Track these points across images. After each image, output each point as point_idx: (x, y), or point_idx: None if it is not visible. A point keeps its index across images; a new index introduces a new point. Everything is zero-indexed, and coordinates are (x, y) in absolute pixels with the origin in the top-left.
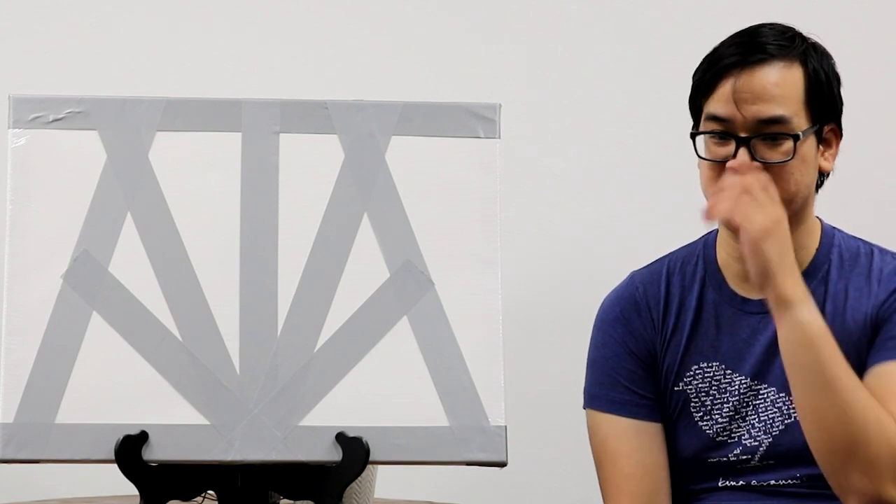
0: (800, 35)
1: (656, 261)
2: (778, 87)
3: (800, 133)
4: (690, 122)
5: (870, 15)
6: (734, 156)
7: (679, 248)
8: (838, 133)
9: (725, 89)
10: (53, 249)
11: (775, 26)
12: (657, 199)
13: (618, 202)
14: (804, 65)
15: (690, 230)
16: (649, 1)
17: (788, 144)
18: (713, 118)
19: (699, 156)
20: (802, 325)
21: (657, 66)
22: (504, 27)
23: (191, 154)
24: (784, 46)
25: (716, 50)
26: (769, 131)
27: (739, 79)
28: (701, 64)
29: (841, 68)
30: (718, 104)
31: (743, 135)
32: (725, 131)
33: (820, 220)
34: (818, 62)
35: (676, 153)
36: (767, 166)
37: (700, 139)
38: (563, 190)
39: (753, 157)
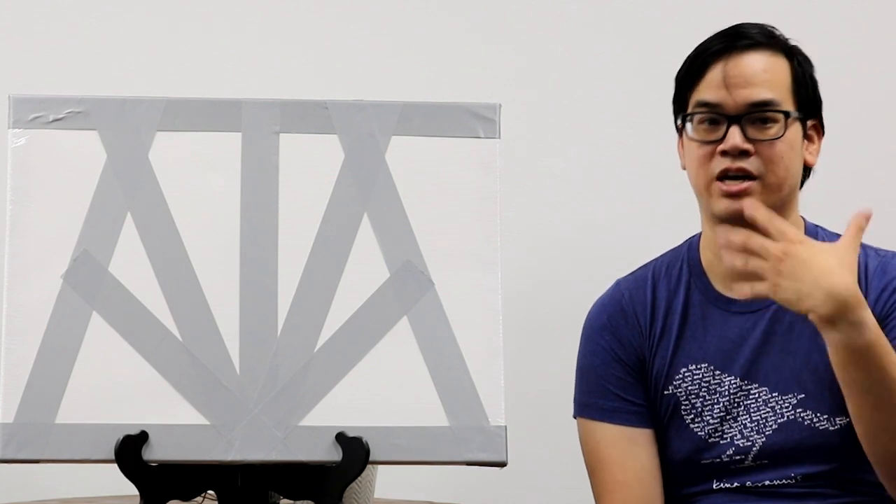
0: (781, 33)
1: (641, 267)
2: (766, 72)
3: (790, 111)
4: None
5: (869, 15)
6: (724, 136)
7: (663, 254)
8: (820, 130)
9: (714, 75)
10: (53, 249)
11: (756, 23)
12: (657, 199)
13: (618, 202)
14: (789, 58)
15: (690, 230)
16: (649, 1)
17: (778, 126)
18: (703, 104)
19: (689, 137)
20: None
21: (657, 66)
22: (504, 27)
23: (191, 154)
24: (770, 37)
25: (698, 47)
26: (759, 112)
27: (729, 63)
28: (683, 63)
29: (840, 68)
30: (708, 90)
31: (734, 115)
32: (716, 114)
33: (803, 218)
34: (801, 59)
35: (676, 153)
36: (758, 148)
37: (688, 125)
38: (563, 190)
39: (745, 136)
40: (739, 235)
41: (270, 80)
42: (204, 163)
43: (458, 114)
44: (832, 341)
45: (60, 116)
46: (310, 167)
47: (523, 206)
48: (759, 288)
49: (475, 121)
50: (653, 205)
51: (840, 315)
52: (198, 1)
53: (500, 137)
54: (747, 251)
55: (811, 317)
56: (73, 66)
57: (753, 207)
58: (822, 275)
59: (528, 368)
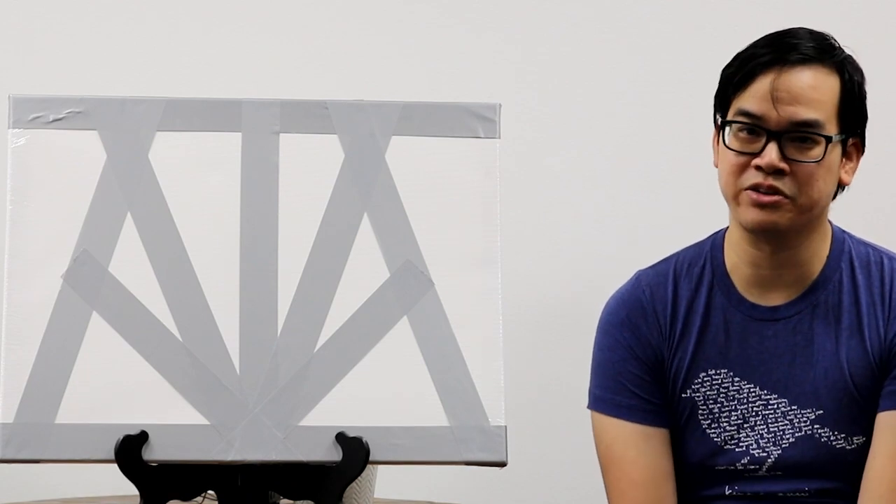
0: (837, 44)
1: (662, 261)
2: (815, 90)
3: (832, 136)
4: (690, 122)
5: (870, 15)
6: (761, 151)
7: (685, 249)
8: (860, 148)
9: (761, 86)
10: (53, 249)
11: (812, 31)
12: (657, 198)
13: (618, 202)
14: (840, 73)
15: (690, 230)
16: (650, 1)
17: (818, 149)
18: (745, 114)
19: (725, 145)
20: None
21: (657, 67)
22: (504, 27)
23: (191, 154)
24: (823, 51)
25: (750, 47)
26: (801, 132)
27: (779, 77)
28: (733, 60)
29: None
30: (753, 101)
31: (775, 130)
32: (757, 126)
33: (831, 223)
34: (852, 74)
35: (677, 152)
36: (793, 169)
37: (726, 130)
38: (563, 190)
39: (783, 155)
40: None
41: (270, 80)
42: (204, 163)
43: (458, 114)
44: None
45: (60, 116)
46: (310, 167)
47: (523, 206)
48: None
49: (475, 121)
50: (653, 204)
51: None
52: (198, 1)
53: (500, 137)
54: None
55: None
56: (73, 66)
57: None
58: None
59: (528, 368)
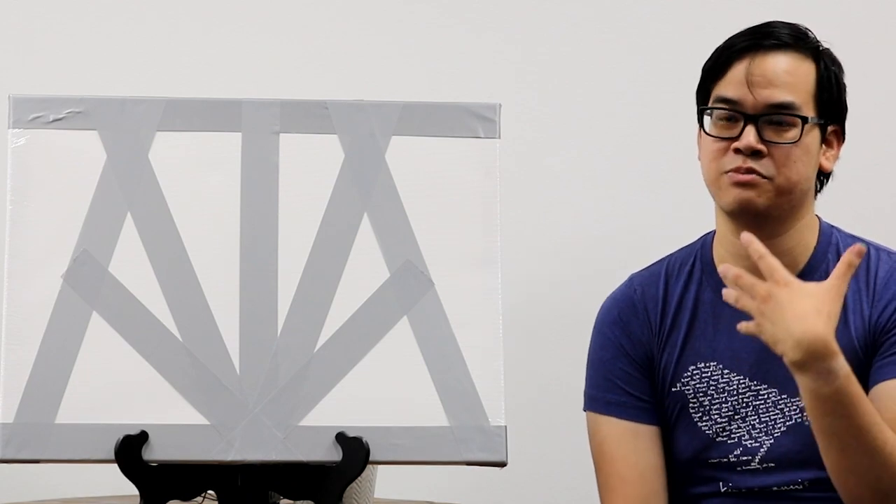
0: (813, 35)
1: (656, 262)
2: (790, 74)
3: (808, 117)
4: (690, 122)
5: (870, 15)
6: (740, 134)
7: (679, 250)
8: (840, 136)
9: (737, 72)
10: (53, 249)
11: (788, 23)
12: (657, 198)
13: (617, 202)
14: (816, 60)
15: (690, 230)
16: (650, 1)
17: (794, 130)
18: (723, 100)
19: (705, 132)
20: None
21: (657, 67)
22: (504, 27)
23: (191, 154)
24: (798, 38)
25: (728, 40)
26: (778, 114)
27: (753, 62)
28: (712, 54)
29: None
30: (729, 87)
31: (752, 114)
32: (734, 111)
33: (818, 217)
34: (829, 63)
35: (677, 153)
36: (771, 150)
37: (706, 119)
38: (564, 190)
39: (760, 137)
40: (735, 271)
41: (270, 80)
42: (204, 163)
43: (458, 114)
44: (800, 385)
45: (60, 116)
46: (310, 167)
47: (523, 206)
48: (748, 326)
49: (475, 121)
50: (653, 204)
51: (808, 363)
52: (198, 1)
53: (500, 137)
54: (739, 287)
55: (784, 360)
56: (73, 66)
57: (749, 240)
58: (795, 321)
59: (528, 368)
